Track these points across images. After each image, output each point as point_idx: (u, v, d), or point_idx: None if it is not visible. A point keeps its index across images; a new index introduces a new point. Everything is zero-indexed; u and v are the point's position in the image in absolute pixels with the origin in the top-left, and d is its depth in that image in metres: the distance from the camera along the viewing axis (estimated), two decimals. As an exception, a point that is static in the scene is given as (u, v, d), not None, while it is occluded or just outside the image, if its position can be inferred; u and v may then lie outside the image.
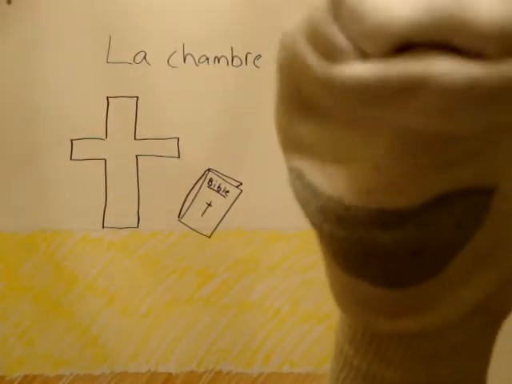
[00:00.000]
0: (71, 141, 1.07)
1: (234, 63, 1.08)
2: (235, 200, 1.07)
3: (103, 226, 1.07)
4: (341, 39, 0.18)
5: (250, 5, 1.08)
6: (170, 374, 1.07)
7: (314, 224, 0.24)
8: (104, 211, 1.07)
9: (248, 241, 1.07)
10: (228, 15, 1.08)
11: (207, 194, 1.07)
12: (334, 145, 0.22)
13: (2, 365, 1.02)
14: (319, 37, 0.19)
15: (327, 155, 0.23)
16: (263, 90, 1.09)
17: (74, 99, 1.07)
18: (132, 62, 1.08)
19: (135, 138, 1.07)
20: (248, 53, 1.08)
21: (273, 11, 1.08)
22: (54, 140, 1.07)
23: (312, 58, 0.19)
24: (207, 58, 1.09)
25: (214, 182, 1.07)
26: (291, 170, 0.25)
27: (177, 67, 1.08)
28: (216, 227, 1.07)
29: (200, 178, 1.07)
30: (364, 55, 0.18)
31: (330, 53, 0.19)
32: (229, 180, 1.07)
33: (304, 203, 0.24)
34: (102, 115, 1.07)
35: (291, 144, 0.24)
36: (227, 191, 1.07)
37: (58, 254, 1.05)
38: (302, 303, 1.06)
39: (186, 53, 1.08)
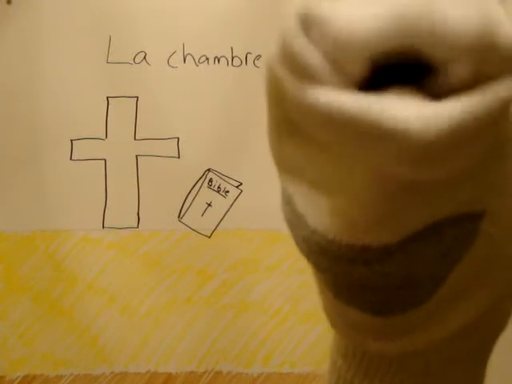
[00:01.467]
0: (71, 141, 1.07)
1: (234, 63, 1.08)
2: (235, 200, 1.07)
3: (103, 226, 1.07)
4: (314, 59, 0.18)
5: (249, 5, 1.08)
6: (170, 374, 1.07)
7: (300, 251, 0.24)
8: (104, 211, 1.07)
9: (248, 241, 1.07)
10: (228, 15, 1.08)
11: (207, 194, 1.07)
12: (320, 173, 0.21)
13: (1, 365, 1.02)
14: (293, 58, 0.18)
15: (315, 183, 0.22)
16: (263, 90, 1.09)
17: (73, 99, 1.07)
18: (132, 62, 1.08)
19: (135, 138, 1.07)
20: (248, 53, 1.08)
21: (273, 11, 1.08)
22: (54, 140, 1.07)
23: (288, 81, 0.19)
24: (207, 58, 1.09)
25: (214, 182, 1.07)
26: (283, 191, 0.24)
27: (177, 67, 1.08)
28: (216, 227, 1.07)
29: (200, 178, 1.07)
30: (342, 74, 0.18)
31: (306, 74, 0.18)
32: (229, 180, 1.07)
33: (292, 228, 0.24)
34: (102, 115, 1.07)
35: (282, 164, 0.24)
36: (227, 191, 1.07)
37: (57, 254, 1.05)
38: (301, 303, 1.06)
39: (186, 53, 1.08)
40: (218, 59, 1.08)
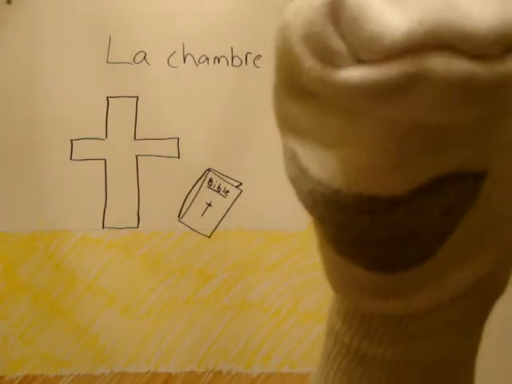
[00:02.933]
0: (71, 141, 1.07)
1: (234, 63, 1.08)
2: (235, 200, 1.07)
3: (103, 226, 1.07)
4: (338, 44, 0.19)
5: (249, 5, 1.08)
6: (170, 374, 1.07)
7: (305, 206, 0.25)
8: (104, 211, 1.07)
9: (248, 241, 1.07)
10: (228, 15, 1.08)
11: (207, 194, 1.07)
12: (326, 129, 0.22)
13: (1, 365, 1.02)
14: (316, 40, 0.19)
15: (320, 139, 0.23)
16: (263, 90, 1.09)
17: (73, 99, 1.07)
18: (132, 62, 1.08)
19: (135, 138, 1.07)
20: (248, 53, 1.08)
21: (273, 11, 1.08)
22: (54, 140, 1.07)
23: (309, 61, 0.19)
24: (207, 58, 1.09)
25: (213, 182, 1.07)
26: (286, 149, 0.25)
27: (177, 67, 1.08)
28: (216, 227, 1.07)
29: (200, 178, 1.07)
30: (360, 59, 0.18)
31: (327, 56, 0.19)
32: (229, 180, 1.07)
33: (296, 184, 0.25)
34: (102, 115, 1.07)
35: (287, 124, 0.24)
36: (227, 191, 1.07)
37: (57, 254, 1.05)
38: (301, 303, 1.07)
39: (185, 53, 1.08)
40: (218, 59, 1.08)
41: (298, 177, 0.24)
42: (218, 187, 1.07)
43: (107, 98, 1.08)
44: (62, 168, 1.06)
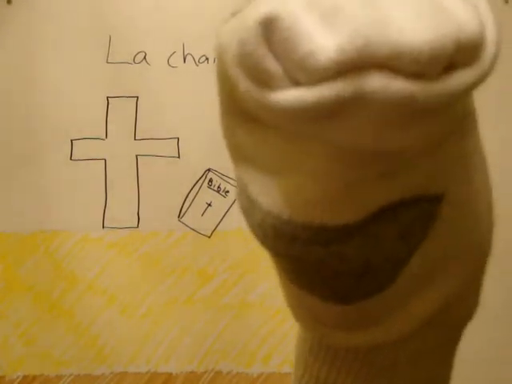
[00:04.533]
0: (71, 141, 1.07)
1: (234, 63, 1.08)
2: (235, 200, 1.07)
3: (103, 226, 1.07)
4: (272, 65, 0.18)
5: (249, 5, 1.08)
6: (170, 374, 1.07)
7: (256, 238, 0.24)
8: (104, 211, 1.07)
9: (248, 241, 1.07)
10: (228, 15, 1.08)
11: (207, 194, 1.07)
12: (271, 155, 0.21)
13: (1, 365, 1.02)
14: (250, 60, 0.18)
15: (266, 166, 0.22)
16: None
17: (73, 99, 1.07)
18: (132, 62, 1.08)
19: (135, 138, 1.07)
20: (248, 53, 1.08)
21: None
22: (54, 140, 1.07)
23: (244, 82, 0.19)
24: (207, 58, 1.09)
25: (213, 182, 1.07)
26: (238, 180, 0.24)
27: (177, 67, 1.08)
28: (216, 227, 1.07)
29: (200, 178, 1.07)
30: (296, 83, 0.18)
31: (262, 78, 0.18)
32: (229, 180, 1.07)
33: (247, 216, 0.24)
34: (102, 115, 1.07)
35: (236, 152, 0.23)
36: (227, 191, 1.07)
37: (57, 254, 1.06)
38: (301, 303, 1.06)
39: (186, 53, 1.08)
40: (218, 59, 1.08)
41: (249, 208, 0.23)
42: (218, 187, 1.07)
43: (107, 97, 1.08)
44: (62, 168, 1.07)
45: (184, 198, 1.07)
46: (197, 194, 1.07)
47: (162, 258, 1.07)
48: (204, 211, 1.07)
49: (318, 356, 0.28)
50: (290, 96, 0.17)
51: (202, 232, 1.07)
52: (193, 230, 1.07)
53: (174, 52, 1.08)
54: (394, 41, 0.16)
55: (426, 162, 0.20)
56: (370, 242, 0.21)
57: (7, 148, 1.06)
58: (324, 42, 0.17)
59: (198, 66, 1.08)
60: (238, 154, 0.23)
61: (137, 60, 1.08)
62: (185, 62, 1.08)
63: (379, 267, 0.22)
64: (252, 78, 0.18)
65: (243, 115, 0.21)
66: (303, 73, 0.17)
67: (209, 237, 1.07)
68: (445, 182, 0.21)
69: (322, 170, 0.20)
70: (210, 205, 1.08)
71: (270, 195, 0.22)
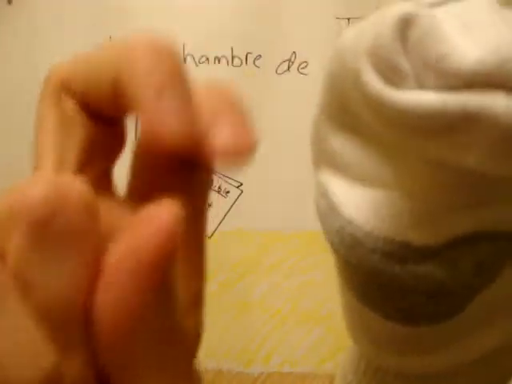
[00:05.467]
0: (72, 141, 1.07)
1: (234, 63, 1.09)
2: (235, 200, 1.07)
3: (104, 227, 1.07)
4: (403, 63, 0.18)
5: (249, 5, 1.08)
6: (171, 373, 1.07)
7: (331, 243, 0.24)
8: (105, 212, 1.07)
9: (248, 241, 1.07)
10: (228, 15, 1.08)
11: (207, 194, 1.07)
12: (367, 166, 0.21)
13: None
14: (384, 61, 0.18)
15: (358, 175, 0.22)
16: (263, 90, 1.09)
17: (74, 100, 1.07)
18: (132, 62, 1.08)
19: (136, 139, 1.07)
20: (248, 53, 1.08)
21: (273, 11, 1.08)
22: (55, 140, 1.07)
23: (371, 78, 0.19)
24: (207, 59, 1.09)
25: (214, 183, 1.08)
26: (318, 184, 0.24)
27: (177, 67, 1.08)
28: (216, 228, 1.07)
29: (200, 179, 1.08)
30: (422, 84, 0.17)
31: (390, 74, 0.18)
32: (229, 180, 1.08)
33: (324, 221, 0.23)
34: (103, 116, 1.07)
35: (323, 157, 0.23)
36: (227, 192, 1.08)
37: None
38: (301, 303, 1.07)
39: (186, 53, 1.08)
40: (218, 59, 1.09)
41: (328, 213, 0.23)
42: (219, 187, 1.08)
43: (108, 98, 1.08)
44: (63, 168, 1.07)
45: (184, 198, 1.07)
46: (197, 194, 1.07)
47: (163, 258, 1.07)
48: (204, 212, 1.07)
49: (363, 377, 0.27)
50: (413, 98, 0.17)
51: (203, 232, 1.07)
52: (193, 230, 1.07)
53: (174, 52, 1.08)
54: None
55: None
56: (447, 266, 0.21)
57: (7, 148, 1.07)
58: (465, 49, 0.16)
59: (198, 66, 1.09)
60: (326, 158, 0.23)
61: (137, 60, 1.08)
62: (185, 62, 1.08)
63: (450, 293, 0.22)
64: (379, 72, 0.18)
65: (347, 122, 0.21)
66: (434, 75, 0.17)
67: (209, 237, 1.07)
68: None
69: (418, 189, 0.20)
70: (210, 205, 1.08)
71: (353, 204, 0.22)
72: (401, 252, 0.21)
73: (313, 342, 1.07)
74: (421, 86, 0.17)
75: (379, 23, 0.18)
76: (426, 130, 0.17)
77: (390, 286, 0.22)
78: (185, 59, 1.08)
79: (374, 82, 0.18)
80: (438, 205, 0.20)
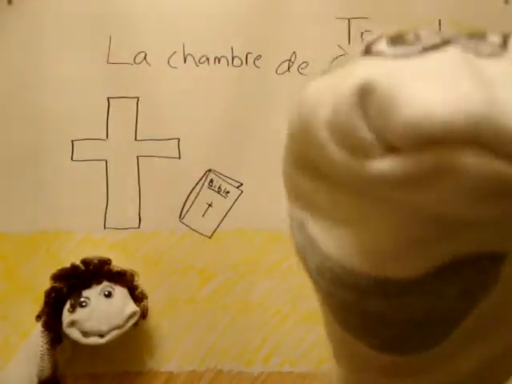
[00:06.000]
0: (72, 142, 1.07)
1: (235, 63, 1.09)
2: (236, 200, 1.08)
3: (104, 227, 1.07)
4: (367, 134, 0.18)
5: (249, 5, 1.08)
6: (172, 373, 1.07)
7: (311, 278, 0.24)
8: (105, 212, 1.07)
9: (248, 241, 1.08)
10: (228, 15, 1.08)
11: (208, 194, 1.08)
12: (338, 207, 0.21)
13: (2, 365, 1.03)
14: (344, 130, 0.18)
15: (330, 214, 0.22)
16: (263, 90, 1.10)
17: (74, 100, 1.07)
18: (132, 62, 1.08)
19: (136, 139, 1.08)
20: (248, 53, 1.08)
21: (273, 11, 1.08)
22: (55, 141, 1.07)
23: (334, 149, 0.18)
24: (207, 59, 1.09)
25: (214, 183, 1.08)
26: (293, 218, 0.24)
27: (177, 68, 1.08)
28: (217, 228, 1.07)
29: (201, 179, 1.08)
30: (388, 149, 0.17)
31: (355, 146, 0.18)
32: (229, 181, 1.08)
33: (302, 254, 0.23)
34: (103, 116, 1.08)
35: (295, 194, 0.23)
36: (228, 192, 1.08)
37: (59, 254, 1.06)
38: (302, 303, 1.07)
39: (186, 53, 1.08)
40: (218, 59, 1.09)
41: (306, 246, 0.23)
42: (219, 188, 1.08)
43: (108, 98, 1.08)
44: (63, 169, 1.07)
45: (185, 198, 1.07)
46: (198, 194, 1.07)
47: (163, 258, 1.07)
48: (205, 212, 1.08)
49: None
50: (385, 165, 0.17)
51: (203, 232, 1.08)
52: (194, 230, 1.07)
53: (175, 52, 1.08)
54: (503, 126, 0.16)
55: (493, 227, 0.20)
56: (430, 296, 0.21)
57: (8, 148, 1.07)
58: (429, 109, 0.16)
59: (198, 66, 1.09)
60: (297, 195, 0.23)
61: (137, 60, 1.08)
62: (185, 62, 1.08)
63: (436, 322, 0.22)
64: (344, 146, 0.18)
65: (311, 168, 0.21)
66: (402, 139, 0.17)
67: (209, 237, 1.08)
68: (509, 242, 0.21)
69: (390, 227, 0.20)
70: (210, 205, 1.08)
71: (331, 239, 0.22)
72: (381, 287, 0.21)
73: (313, 341, 1.07)
74: (387, 151, 0.17)
75: (337, 94, 0.18)
76: (399, 190, 0.18)
77: (374, 319, 0.22)
78: (185, 59, 1.09)
79: (342, 157, 0.18)
80: (411, 240, 0.20)
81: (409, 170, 0.17)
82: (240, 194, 1.08)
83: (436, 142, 0.16)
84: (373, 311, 0.22)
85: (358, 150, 0.18)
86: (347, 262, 0.21)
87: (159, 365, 1.07)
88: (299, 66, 1.08)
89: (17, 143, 1.07)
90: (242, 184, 1.08)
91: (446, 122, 0.16)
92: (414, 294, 0.21)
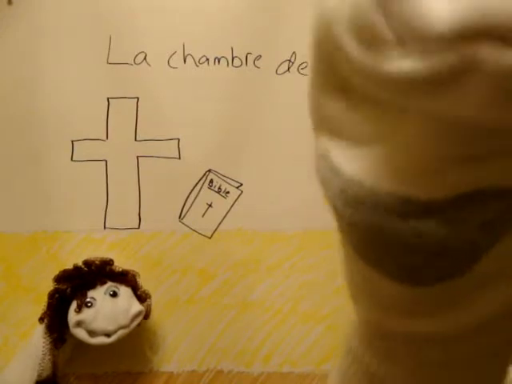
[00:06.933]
0: (72, 142, 1.07)
1: (235, 64, 1.09)
2: (236, 201, 1.08)
3: (104, 227, 1.07)
4: (386, 31, 0.17)
5: (250, 5, 1.08)
6: (172, 373, 1.07)
7: (334, 207, 0.23)
8: (105, 212, 1.07)
9: (248, 241, 1.08)
10: (228, 15, 1.08)
11: (208, 194, 1.08)
12: (363, 125, 0.21)
13: (2, 365, 1.03)
14: (362, 25, 0.18)
15: (355, 135, 0.22)
16: (263, 91, 1.10)
17: (74, 100, 1.07)
18: (132, 62, 1.08)
19: (136, 139, 1.08)
20: (248, 53, 1.08)
21: (273, 11, 1.08)
22: (55, 141, 1.07)
23: (352, 46, 0.18)
24: (207, 59, 1.09)
25: (214, 183, 1.08)
26: (318, 149, 0.24)
27: (177, 68, 1.08)
28: (217, 228, 1.08)
29: (200, 179, 1.08)
30: (406, 47, 0.17)
31: (375, 44, 0.18)
32: (229, 181, 1.08)
33: (326, 185, 0.23)
34: (103, 116, 1.08)
35: (322, 123, 0.23)
36: (228, 192, 1.08)
37: (59, 254, 1.06)
38: (302, 303, 1.07)
39: (186, 53, 1.09)
40: (218, 60, 1.09)
41: (329, 177, 0.23)
42: (219, 188, 1.08)
43: (108, 98, 1.08)
44: (63, 169, 1.07)
45: (185, 198, 1.07)
46: (197, 194, 1.07)
47: (163, 258, 1.07)
48: (205, 212, 1.08)
49: (369, 346, 0.27)
50: (404, 65, 0.17)
51: (203, 233, 1.08)
52: (194, 230, 1.07)
53: (175, 52, 1.08)
54: None
55: None
56: (451, 224, 0.21)
57: (8, 149, 1.07)
58: (443, 8, 0.16)
59: (198, 66, 1.09)
60: (323, 124, 0.23)
61: (137, 61, 1.08)
62: (185, 62, 1.09)
63: (457, 252, 0.22)
64: (364, 44, 0.18)
65: (338, 84, 0.21)
66: (419, 40, 0.17)
67: (209, 237, 1.08)
68: None
69: (417, 143, 0.19)
70: (210, 205, 1.08)
71: (354, 163, 0.22)
72: (402, 207, 0.21)
73: (313, 341, 1.07)
74: (405, 49, 0.17)
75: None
76: (417, 93, 0.17)
77: (393, 243, 0.22)
78: (185, 60, 1.09)
79: (357, 52, 0.18)
80: (435, 159, 0.20)
81: (428, 69, 0.17)
82: (240, 195, 1.08)
83: (455, 39, 0.16)
84: (392, 235, 0.22)
85: (376, 47, 0.18)
86: (369, 181, 0.21)
87: (159, 365, 1.07)
88: (299, 66, 1.08)
89: (17, 143, 1.07)
90: (241, 184, 1.08)
91: (461, 17, 0.16)
92: (434, 219, 0.21)
